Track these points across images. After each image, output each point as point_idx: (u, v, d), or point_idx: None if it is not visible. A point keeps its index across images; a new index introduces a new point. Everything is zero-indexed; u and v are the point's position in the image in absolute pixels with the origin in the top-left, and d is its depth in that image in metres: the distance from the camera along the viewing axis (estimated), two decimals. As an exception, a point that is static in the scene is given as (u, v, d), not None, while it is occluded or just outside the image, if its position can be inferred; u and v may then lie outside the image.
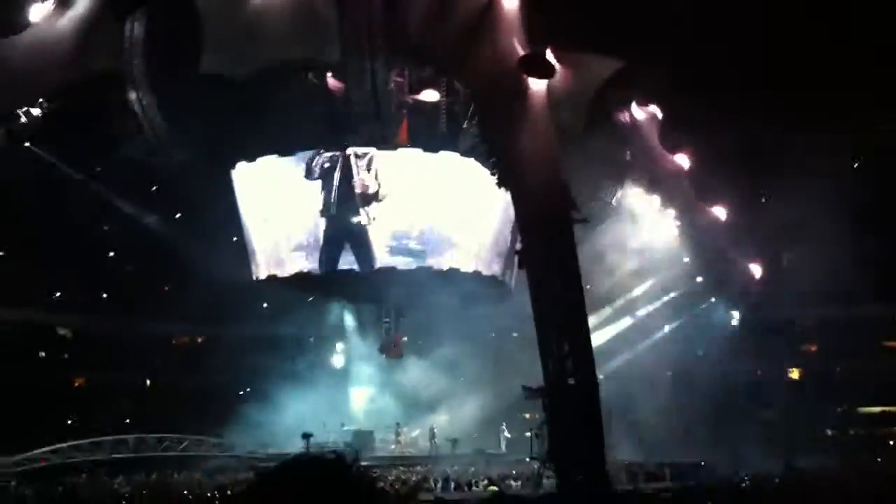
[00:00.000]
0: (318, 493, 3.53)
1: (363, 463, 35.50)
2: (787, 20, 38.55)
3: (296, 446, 40.71)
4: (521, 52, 25.88)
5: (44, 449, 33.56)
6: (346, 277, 35.93)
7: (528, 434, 28.88)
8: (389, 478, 31.48)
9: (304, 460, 3.67)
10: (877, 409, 46.69)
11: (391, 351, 41.04)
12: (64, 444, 34.44)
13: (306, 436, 36.24)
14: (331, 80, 33.51)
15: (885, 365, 45.02)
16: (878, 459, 37.24)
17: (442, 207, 33.78)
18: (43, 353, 46.31)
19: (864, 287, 42.99)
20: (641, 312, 42.68)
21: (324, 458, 3.68)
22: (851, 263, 39.80)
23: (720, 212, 39.54)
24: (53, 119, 32.48)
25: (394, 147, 34.36)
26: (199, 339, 51.98)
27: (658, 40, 32.52)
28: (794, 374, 47.24)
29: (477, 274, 34.71)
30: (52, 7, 30.55)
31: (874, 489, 26.59)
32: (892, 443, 44.79)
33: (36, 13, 30.51)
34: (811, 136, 41.32)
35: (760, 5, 37.32)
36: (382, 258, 33.79)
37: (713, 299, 40.93)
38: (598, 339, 34.07)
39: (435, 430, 40.62)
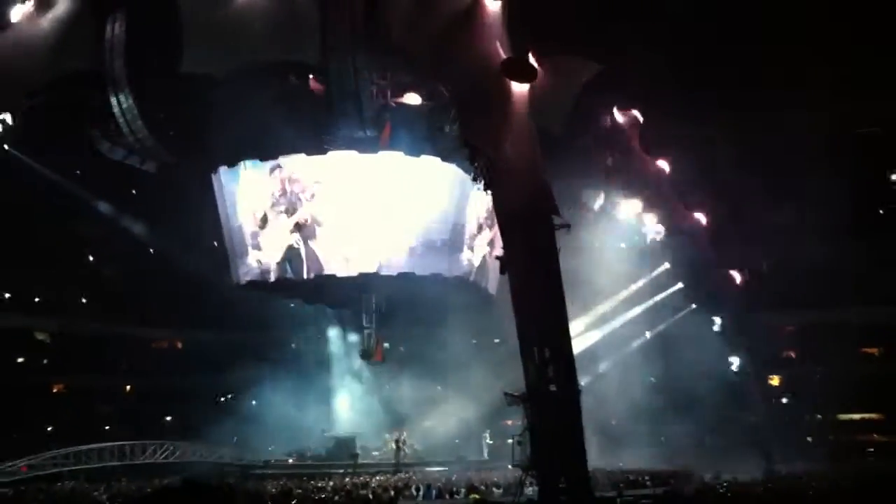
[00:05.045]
0: None
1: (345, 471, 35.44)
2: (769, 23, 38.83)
3: (278, 451, 40.66)
4: (502, 55, 25.77)
5: (41, 456, 33.24)
6: (326, 283, 35.76)
7: (510, 441, 28.66)
8: (372, 484, 31.22)
9: (190, 485, 3.73)
10: (856, 416, 46.85)
11: (372, 356, 40.89)
12: (57, 452, 33.89)
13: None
14: (313, 83, 33.32)
15: (864, 371, 45.16)
16: (858, 466, 37.29)
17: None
18: (21, 359, 45.76)
19: (843, 293, 43.18)
20: (623, 318, 42.62)
21: (210, 485, 3.77)
22: (831, 269, 39.98)
23: (701, 217, 39.62)
24: (32, 121, 32.19)
25: (375, 150, 34.24)
26: (180, 344, 51.61)
27: (640, 44, 32.56)
28: (775, 380, 47.29)
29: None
30: (33, 7, 30.36)
31: (853, 496, 26.66)
32: (871, 449, 44.89)
33: (16, 13, 30.34)
34: (792, 140, 41.44)
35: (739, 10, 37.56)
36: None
37: (694, 305, 40.88)
38: (579, 345, 34.00)
39: (405, 439, 40.09)
